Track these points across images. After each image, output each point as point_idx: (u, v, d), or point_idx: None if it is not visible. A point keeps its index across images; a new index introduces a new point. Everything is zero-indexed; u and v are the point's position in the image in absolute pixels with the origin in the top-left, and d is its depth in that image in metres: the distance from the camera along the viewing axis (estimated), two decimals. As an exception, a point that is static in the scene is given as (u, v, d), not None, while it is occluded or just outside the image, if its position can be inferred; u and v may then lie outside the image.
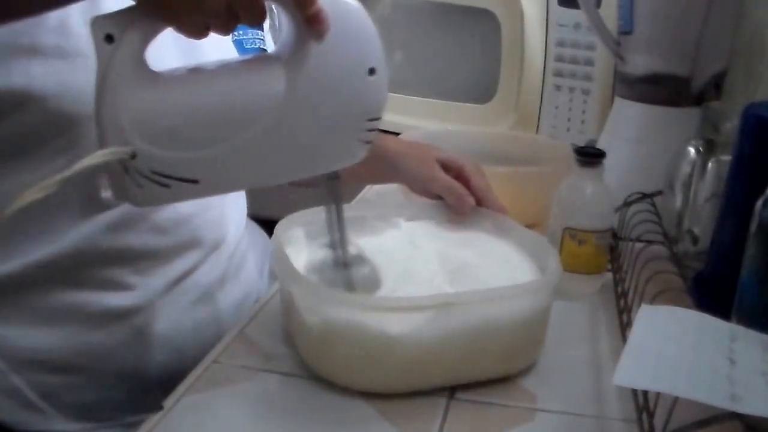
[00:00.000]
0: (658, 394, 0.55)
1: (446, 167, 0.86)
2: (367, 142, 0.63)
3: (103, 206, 0.75)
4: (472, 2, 1.38)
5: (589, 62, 1.30)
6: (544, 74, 1.35)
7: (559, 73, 1.34)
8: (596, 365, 0.73)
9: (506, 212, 0.84)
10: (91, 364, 0.78)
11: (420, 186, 0.85)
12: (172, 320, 0.82)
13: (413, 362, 0.65)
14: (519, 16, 1.34)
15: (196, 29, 0.56)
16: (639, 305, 0.62)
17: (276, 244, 0.72)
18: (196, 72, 0.61)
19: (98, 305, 0.77)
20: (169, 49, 0.75)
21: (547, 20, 1.33)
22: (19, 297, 0.76)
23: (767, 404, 0.48)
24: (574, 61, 1.32)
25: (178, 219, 0.81)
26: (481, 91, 1.44)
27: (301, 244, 0.77)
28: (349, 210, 0.74)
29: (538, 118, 1.37)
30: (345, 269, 0.70)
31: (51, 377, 0.77)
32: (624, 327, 0.75)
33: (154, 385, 0.80)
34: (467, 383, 0.68)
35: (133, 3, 0.56)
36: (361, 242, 0.78)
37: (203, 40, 0.76)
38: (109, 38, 0.55)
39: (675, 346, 0.54)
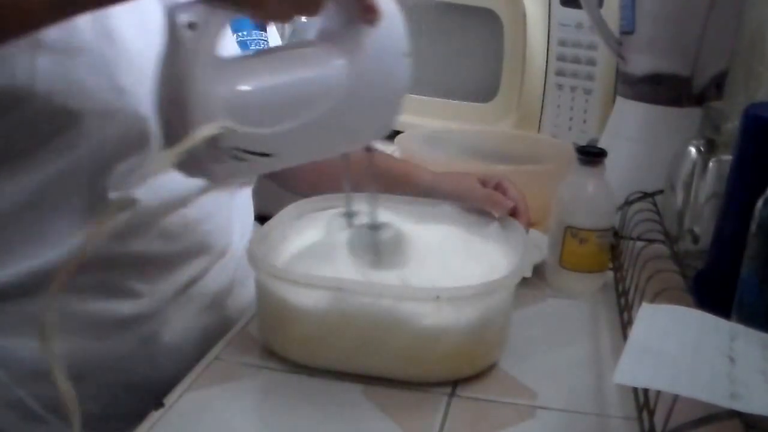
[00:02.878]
0: (658, 393, 0.55)
1: (484, 183, 0.89)
2: (398, 116, 0.70)
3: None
4: (474, 2, 1.39)
5: (590, 62, 1.31)
6: (546, 73, 1.36)
7: (561, 73, 1.34)
8: (597, 363, 0.73)
9: (530, 226, 0.87)
10: (97, 375, 0.76)
11: (462, 201, 0.88)
12: (180, 328, 0.81)
13: (311, 336, 0.69)
14: (521, 15, 1.34)
15: (268, 14, 0.60)
16: (640, 304, 0.62)
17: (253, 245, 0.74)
18: (268, 56, 0.66)
19: (104, 314, 0.76)
20: None
21: (549, 20, 1.33)
22: (20, 306, 0.73)
23: (767, 403, 0.48)
24: (576, 60, 1.32)
25: (186, 225, 0.80)
26: (484, 90, 1.44)
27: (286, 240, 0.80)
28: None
29: (540, 117, 1.38)
30: (372, 231, 0.74)
31: (55, 388, 0.74)
32: (625, 325, 0.76)
33: (161, 395, 0.78)
34: (381, 377, 0.68)
35: None
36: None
37: None
38: (193, 25, 0.57)
39: (675, 344, 0.55)
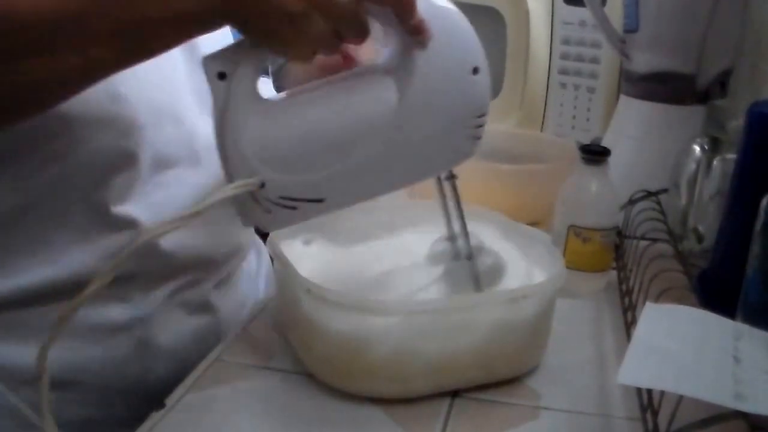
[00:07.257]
0: (662, 393, 0.55)
1: None
2: (477, 138, 0.64)
3: (107, 231, 0.72)
4: (477, 0, 1.38)
5: (594, 60, 1.30)
6: (549, 72, 1.35)
7: (564, 71, 1.33)
8: (601, 363, 0.73)
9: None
10: (92, 379, 0.75)
11: None
12: (173, 330, 0.80)
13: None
14: (524, 13, 1.34)
15: (304, 55, 0.58)
16: (643, 303, 0.62)
17: (278, 254, 0.71)
18: (308, 95, 0.62)
19: (99, 318, 0.75)
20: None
21: (552, 18, 1.32)
22: (15, 316, 0.72)
23: (772, 403, 0.48)
24: (579, 58, 1.31)
25: (185, 244, 0.79)
26: (486, 88, 1.43)
27: (299, 251, 0.77)
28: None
29: (543, 115, 1.37)
30: (469, 260, 0.70)
31: (50, 394, 0.75)
32: (628, 325, 0.75)
33: (156, 399, 0.76)
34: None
35: (242, 38, 0.56)
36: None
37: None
38: (222, 75, 0.56)
39: (679, 344, 0.54)
